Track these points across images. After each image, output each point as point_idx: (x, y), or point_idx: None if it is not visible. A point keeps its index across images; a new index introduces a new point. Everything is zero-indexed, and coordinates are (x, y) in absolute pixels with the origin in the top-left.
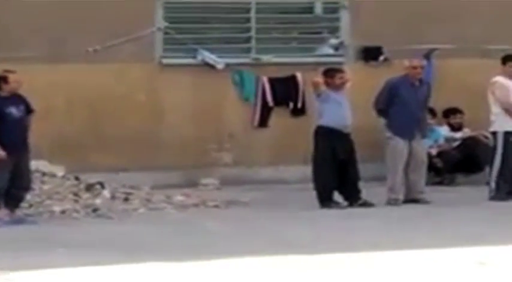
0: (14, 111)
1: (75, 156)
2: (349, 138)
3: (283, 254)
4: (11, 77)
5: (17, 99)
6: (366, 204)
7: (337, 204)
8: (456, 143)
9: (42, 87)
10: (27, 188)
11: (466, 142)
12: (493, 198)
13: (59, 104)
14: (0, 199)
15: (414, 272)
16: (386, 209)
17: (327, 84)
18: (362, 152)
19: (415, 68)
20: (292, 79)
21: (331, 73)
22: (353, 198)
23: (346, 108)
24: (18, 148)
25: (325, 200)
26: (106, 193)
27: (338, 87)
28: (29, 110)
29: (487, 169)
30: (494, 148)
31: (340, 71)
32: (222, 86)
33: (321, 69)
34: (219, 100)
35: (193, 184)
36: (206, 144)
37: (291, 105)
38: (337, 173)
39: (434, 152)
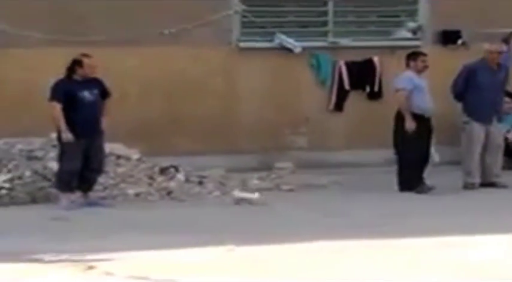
0: (87, 95)
1: (150, 140)
2: (429, 123)
3: (358, 238)
4: (86, 61)
5: (91, 83)
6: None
7: (428, 188)
8: None
9: (118, 70)
10: (99, 170)
11: None
12: None
13: (134, 88)
14: (73, 182)
15: (498, 256)
16: (464, 193)
17: (408, 66)
18: (439, 135)
19: (492, 53)
20: (369, 63)
21: (414, 56)
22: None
23: (427, 93)
24: (90, 131)
25: (409, 183)
26: (180, 176)
27: (420, 71)
28: (105, 94)
29: None
30: None
31: (423, 54)
32: (298, 69)
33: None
34: (296, 84)
35: (268, 168)
36: (282, 127)
37: (368, 89)
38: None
39: (511, 136)
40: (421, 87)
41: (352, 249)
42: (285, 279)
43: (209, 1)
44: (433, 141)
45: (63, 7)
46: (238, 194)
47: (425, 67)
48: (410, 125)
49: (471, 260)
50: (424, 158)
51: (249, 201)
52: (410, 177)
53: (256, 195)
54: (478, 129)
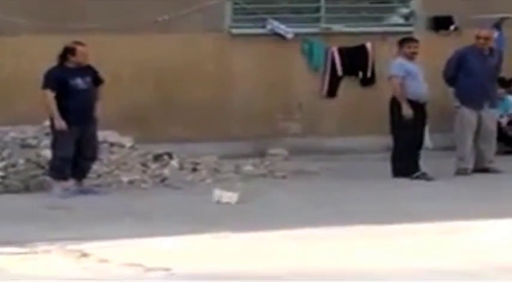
0: (79, 82)
1: (143, 127)
2: (423, 109)
3: (351, 224)
4: (79, 49)
5: (83, 70)
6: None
7: (423, 175)
8: None
9: (111, 58)
10: (93, 158)
11: None
12: None
13: (128, 75)
14: (66, 169)
15: (500, 241)
16: (456, 178)
17: (399, 52)
18: (432, 121)
19: (480, 38)
20: (362, 49)
21: (403, 42)
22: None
23: (421, 79)
24: (84, 119)
25: (403, 169)
26: (174, 163)
27: (410, 57)
28: (97, 81)
29: None
30: None
31: (412, 40)
32: (291, 55)
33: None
34: (288, 70)
35: (261, 154)
36: (275, 114)
37: (361, 74)
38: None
39: (504, 121)
40: (414, 73)
41: (346, 236)
42: (279, 266)
43: None
44: (427, 127)
45: None
46: (218, 192)
47: (414, 53)
48: (407, 111)
49: (467, 245)
50: (419, 144)
51: (228, 202)
52: (405, 163)
53: (235, 196)
54: (469, 115)
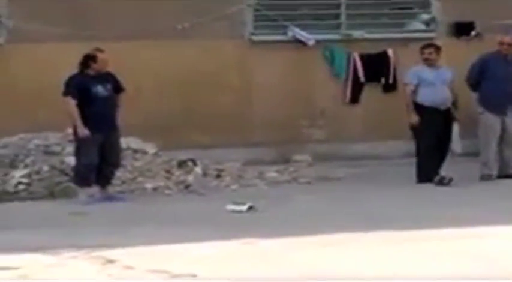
0: (100, 89)
1: (166, 133)
2: (446, 114)
3: (376, 230)
4: (99, 56)
5: (104, 77)
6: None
7: (446, 179)
8: None
9: (132, 65)
10: (116, 165)
11: None
12: None
13: (149, 82)
14: (91, 176)
15: None
16: (481, 184)
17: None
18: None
19: (502, 44)
20: (383, 55)
21: (421, 48)
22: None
23: (440, 85)
24: (106, 126)
25: (426, 175)
26: (198, 170)
27: (428, 64)
28: (118, 89)
29: None
30: None
31: (426, 46)
32: (312, 62)
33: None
34: (310, 77)
35: (285, 160)
36: (297, 120)
37: (383, 81)
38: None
39: None
40: (429, 80)
41: (370, 242)
42: (305, 272)
43: None
44: (456, 132)
45: (76, 1)
46: (229, 207)
47: (427, 59)
48: (412, 118)
49: (491, 251)
50: (441, 150)
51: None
52: (428, 168)
53: (246, 206)
54: (492, 120)
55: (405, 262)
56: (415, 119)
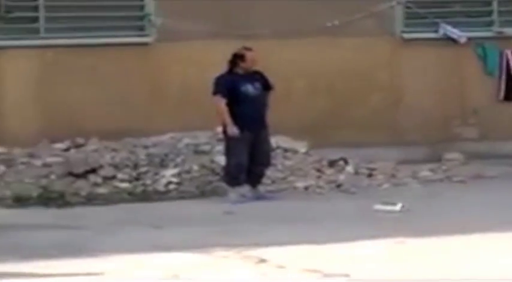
0: (249, 88)
1: (316, 132)
2: None
3: None
4: (248, 55)
5: (253, 76)
6: None
7: None
8: None
9: (282, 64)
10: (266, 164)
11: None
12: None
13: (299, 81)
14: (241, 176)
15: None
16: None
17: None
18: None
19: None
20: None
21: None
22: None
23: None
24: (255, 125)
25: None
26: (349, 169)
27: None
28: (267, 87)
29: None
30: None
31: None
32: (464, 60)
33: None
34: (462, 74)
35: (437, 159)
36: (450, 119)
37: None
38: None
39: None
40: None
41: None
42: (456, 273)
43: None
44: None
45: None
46: (377, 206)
47: None
48: None
49: None
50: None
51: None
52: None
53: (398, 206)
54: None
55: None
56: None
